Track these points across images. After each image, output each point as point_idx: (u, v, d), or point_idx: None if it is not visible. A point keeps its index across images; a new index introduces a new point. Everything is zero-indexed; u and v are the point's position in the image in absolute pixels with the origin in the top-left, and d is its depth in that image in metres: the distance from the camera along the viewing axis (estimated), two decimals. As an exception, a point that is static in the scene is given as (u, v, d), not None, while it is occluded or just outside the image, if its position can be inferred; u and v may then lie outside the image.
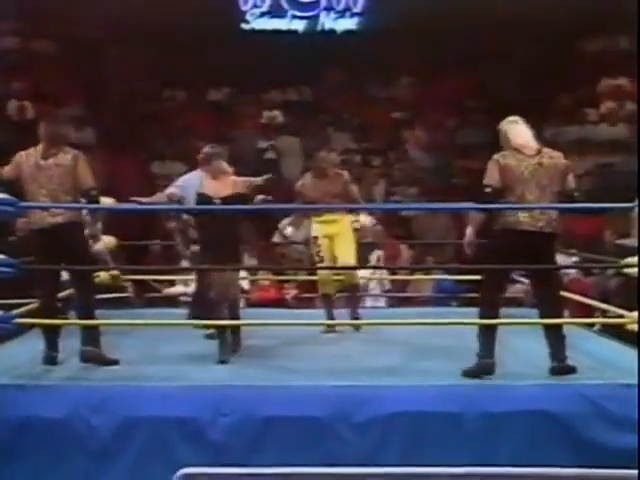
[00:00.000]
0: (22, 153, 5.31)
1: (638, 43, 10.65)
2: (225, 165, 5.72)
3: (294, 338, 6.05)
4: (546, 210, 4.89)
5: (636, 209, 5.07)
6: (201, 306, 5.84)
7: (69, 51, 13.47)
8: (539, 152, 4.97)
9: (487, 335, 4.91)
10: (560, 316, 5.06)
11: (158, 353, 5.69)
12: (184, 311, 6.62)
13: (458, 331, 5.32)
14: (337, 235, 6.57)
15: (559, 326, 4.97)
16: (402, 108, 14.05)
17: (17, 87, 13.11)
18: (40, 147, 5.26)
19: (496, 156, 5.00)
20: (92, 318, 5.18)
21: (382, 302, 9.23)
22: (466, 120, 13.35)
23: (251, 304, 8.43)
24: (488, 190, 4.92)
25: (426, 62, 13.66)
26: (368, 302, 9.01)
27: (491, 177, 4.95)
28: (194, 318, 5.98)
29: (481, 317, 4.97)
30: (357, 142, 13.72)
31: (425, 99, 13.84)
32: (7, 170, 5.34)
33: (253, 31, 13.64)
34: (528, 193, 4.90)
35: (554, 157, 4.99)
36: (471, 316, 5.14)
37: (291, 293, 9.09)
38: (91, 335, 5.15)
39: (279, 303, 8.82)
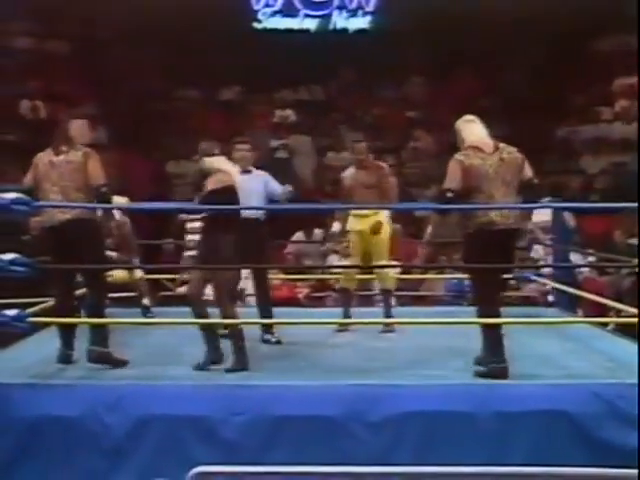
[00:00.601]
0: (39, 154, 5.32)
1: (638, 43, 10.65)
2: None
3: (307, 337, 6.07)
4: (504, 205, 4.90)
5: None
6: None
7: (82, 51, 13.53)
8: (497, 148, 4.99)
9: (493, 338, 4.87)
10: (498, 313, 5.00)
11: (171, 352, 5.71)
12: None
13: (470, 330, 5.31)
14: (368, 231, 6.50)
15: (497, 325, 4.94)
16: (414, 107, 14.04)
17: (30, 87, 13.17)
18: (55, 146, 5.28)
19: (458, 156, 4.96)
20: (101, 317, 5.16)
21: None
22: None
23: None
24: (450, 195, 4.87)
25: (438, 61, 13.66)
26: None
27: (452, 179, 4.91)
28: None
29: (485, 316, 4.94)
30: (369, 141, 13.68)
31: (437, 98, 13.83)
32: (27, 177, 5.36)
33: (265, 30, 13.67)
34: (495, 191, 4.90)
35: (511, 152, 5.01)
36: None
37: (303, 292, 9.10)
38: (99, 335, 5.12)
39: (291, 302, 8.83)
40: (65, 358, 5.20)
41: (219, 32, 12.69)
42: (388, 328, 6.37)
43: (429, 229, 5.15)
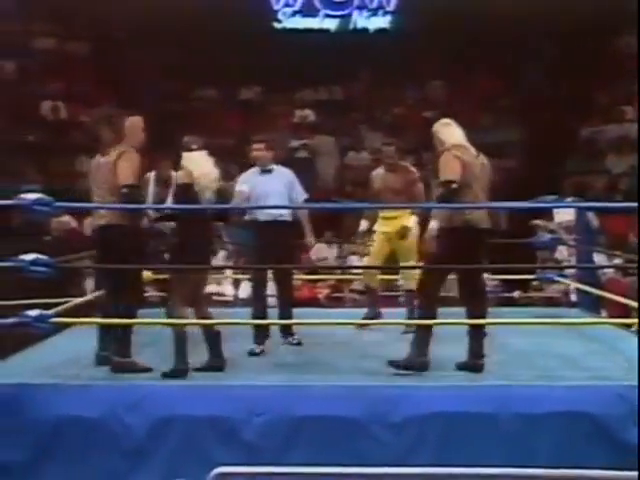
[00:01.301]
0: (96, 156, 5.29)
1: (638, 43, 10.65)
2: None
3: (328, 337, 6.08)
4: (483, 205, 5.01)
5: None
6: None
7: (101, 52, 13.62)
8: (478, 153, 5.10)
9: (421, 336, 4.97)
10: (484, 313, 5.04)
11: (192, 352, 5.73)
12: (218, 310, 6.66)
13: (491, 331, 5.31)
14: (395, 234, 6.48)
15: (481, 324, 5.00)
16: (435, 107, 14.04)
17: (51, 87, 13.28)
18: (105, 145, 5.22)
19: (453, 151, 4.99)
20: (128, 328, 5.08)
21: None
22: (499, 119, 13.31)
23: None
24: (455, 187, 4.90)
25: (459, 60, 13.65)
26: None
27: (453, 172, 4.93)
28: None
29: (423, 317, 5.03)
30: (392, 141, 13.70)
31: (458, 98, 13.82)
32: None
33: (285, 30, 13.71)
34: (480, 191, 5.00)
35: (485, 159, 5.13)
36: (504, 316, 5.14)
37: (324, 292, 9.12)
38: (123, 343, 5.07)
39: (312, 302, 8.86)
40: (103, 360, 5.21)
41: (238, 32, 12.74)
42: (410, 329, 6.35)
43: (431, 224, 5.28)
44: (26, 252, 4.86)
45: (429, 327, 4.96)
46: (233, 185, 6.04)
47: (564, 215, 7.60)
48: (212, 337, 5.14)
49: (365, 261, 7.01)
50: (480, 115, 13.55)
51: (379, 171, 6.66)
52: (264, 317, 5.81)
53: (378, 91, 14.25)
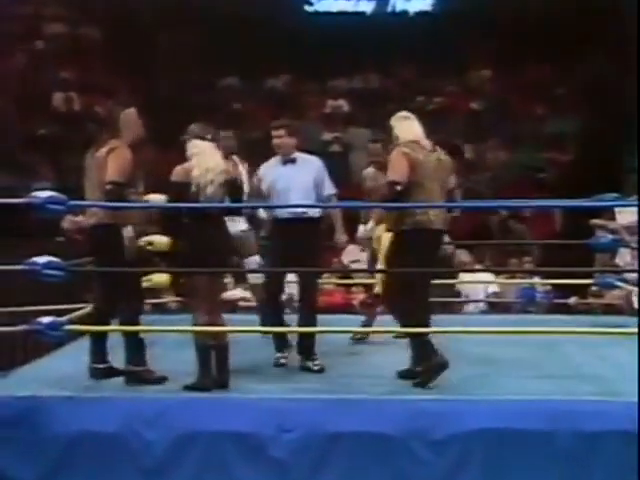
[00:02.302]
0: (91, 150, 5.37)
1: (638, 43, 10.76)
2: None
3: (362, 346, 6.10)
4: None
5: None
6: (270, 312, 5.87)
7: (117, 37, 13.71)
8: (434, 147, 5.17)
9: (419, 345, 5.02)
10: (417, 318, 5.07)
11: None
12: (242, 317, 6.72)
13: (544, 341, 5.30)
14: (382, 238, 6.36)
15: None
16: (481, 96, 14.00)
17: (63, 77, 13.37)
18: (101, 139, 5.32)
19: (404, 149, 5.08)
20: (136, 334, 5.16)
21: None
22: (554, 108, 13.25)
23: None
24: (399, 188, 4.99)
25: (508, 46, 13.58)
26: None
27: (400, 172, 5.02)
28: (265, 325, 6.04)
29: (406, 326, 5.09)
30: (431, 134, 13.69)
31: (507, 85, 13.77)
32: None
33: (317, 13, 13.75)
34: (434, 189, 5.07)
35: (444, 155, 5.20)
36: (558, 325, 5.13)
37: (358, 298, 9.13)
38: (136, 352, 5.14)
39: (346, 309, 8.88)
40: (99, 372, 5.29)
41: (266, 15, 12.80)
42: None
43: (363, 227, 5.35)
44: (39, 254, 4.92)
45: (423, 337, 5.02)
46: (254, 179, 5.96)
47: (628, 215, 7.52)
48: (220, 350, 5.08)
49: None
50: (533, 104, 13.51)
51: (370, 170, 6.63)
52: (280, 324, 5.76)
53: (418, 79, 14.23)
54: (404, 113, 5.31)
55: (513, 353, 5.84)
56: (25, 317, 6.57)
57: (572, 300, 8.96)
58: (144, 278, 5.22)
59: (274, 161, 5.81)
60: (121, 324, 5.20)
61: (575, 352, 5.70)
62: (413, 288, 5.03)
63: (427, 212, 5.02)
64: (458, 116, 13.83)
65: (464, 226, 11.50)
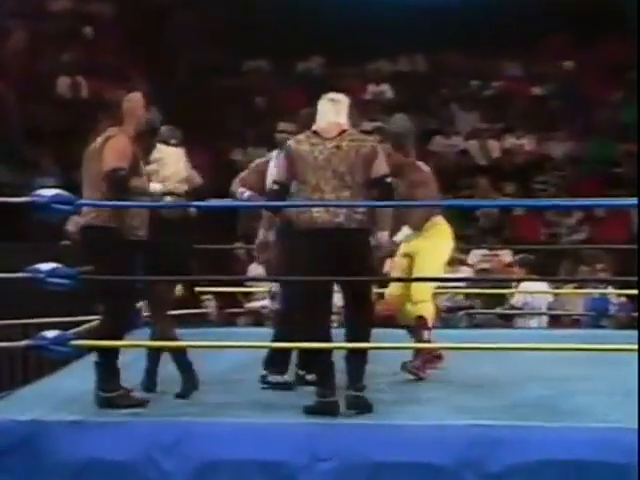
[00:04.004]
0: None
1: (638, 43, 10.75)
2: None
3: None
4: (344, 203, 5.00)
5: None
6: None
7: (130, 15, 13.83)
8: (340, 134, 5.09)
9: (320, 366, 5.02)
10: (369, 334, 5.08)
11: (242, 381, 5.85)
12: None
13: (619, 359, 5.29)
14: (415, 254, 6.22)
15: (363, 350, 5.04)
16: (546, 80, 13.96)
17: (69, 59, 13.46)
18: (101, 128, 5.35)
19: (290, 141, 5.16)
20: (109, 352, 5.19)
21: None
22: (630, 95, 13.18)
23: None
24: (275, 188, 5.13)
25: (576, 22, 13.51)
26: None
27: (280, 171, 5.16)
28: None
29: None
30: (488, 122, 13.70)
31: (578, 68, 13.70)
32: None
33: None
34: (324, 183, 5.03)
35: (357, 140, 5.11)
36: (632, 342, 5.12)
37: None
38: (104, 373, 5.17)
39: (388, 322, 8.90)
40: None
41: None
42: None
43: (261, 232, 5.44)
44: (43, 260, 4.99)
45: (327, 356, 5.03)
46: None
47: None
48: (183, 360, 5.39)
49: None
50: (607, 89, 13.43)
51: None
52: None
53: (474, 61, 14.22)
54: (331, 95, 5.26)
55: (584, 372, 5.86)
56: (27, 331, 6.68)
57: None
58: None
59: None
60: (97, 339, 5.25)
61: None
62: (300, 297, 5.12)
63: (309, 210, 5.02)
64: (518, 103, 13.81)
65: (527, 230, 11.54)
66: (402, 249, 6.31)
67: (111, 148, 5.10)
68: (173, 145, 5.51)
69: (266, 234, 5.68)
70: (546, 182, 12.68)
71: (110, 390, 5.13)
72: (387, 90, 14.09)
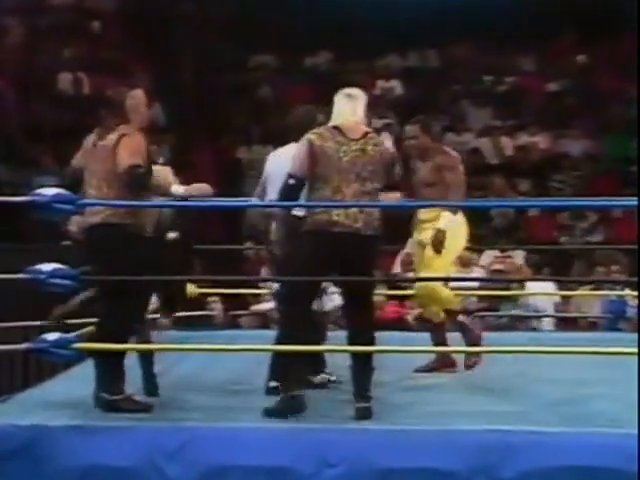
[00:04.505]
0: (93, 134, 5.41)
1: (638, 43, 10.78)
2: None
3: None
4: (366, 208, 5.01)
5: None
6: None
7: (133, 10, 13.84)
8: (365, 136, 5.09)
9: (288, 361, 5.06)
10: (372, 340, 5.09)
11: (248, 385, 5.87)
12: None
13: (629, 361, 5.30)
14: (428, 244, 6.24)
15: (369, 356, 5.05)
16: (561, 75, 13.92)
17: (70, 55, 13.47)
18: (104, 124, 5.36)
19: (311, 135, 5.09)
20: (116, 356, 5.19)
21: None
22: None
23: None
24: (292, 182, 5.07)
25: (591, 17, 13.48)
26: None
27: (297, 163, 5.09)
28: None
29: (281, 340, 5.16)
30: (501, 119, 13.69)
31: (593, 62, 13.67)
32: (73, 162, 5.47)
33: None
34: (345, 186, 5.02)
35: (379, 144, 5.12)
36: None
37: (413, 312, 9.16)
38: (109, 375, 5.18)
39: (398, 324, 8.93)
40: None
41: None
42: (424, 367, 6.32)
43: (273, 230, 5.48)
44: (42, 261, 5.01)
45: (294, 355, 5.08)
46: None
47: None
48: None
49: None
50: (622, 85, 13.40)
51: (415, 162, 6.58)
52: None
53: (486, 56, 14.21)
54: (348, 90, 5.26)
55: (601, 376, 5.87)
56: (27, 333, 6.70)
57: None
58: None
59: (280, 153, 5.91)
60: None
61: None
62: (297, 297, 5.13)
63: (328, 211, 5.00)
64: (532, 99, 13.80)
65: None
66: (415, 236, 6.39)
67: (127, 146, 5.12)
68: (161, 164, 5.54)
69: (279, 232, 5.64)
70: (563, 181, 12.67)
71: (115, 393, 5.13)
72: (397, 86, 14.09)
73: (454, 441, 4.65)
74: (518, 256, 10.55)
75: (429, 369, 6.28)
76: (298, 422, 4.96)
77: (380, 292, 8.84)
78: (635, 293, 8.99)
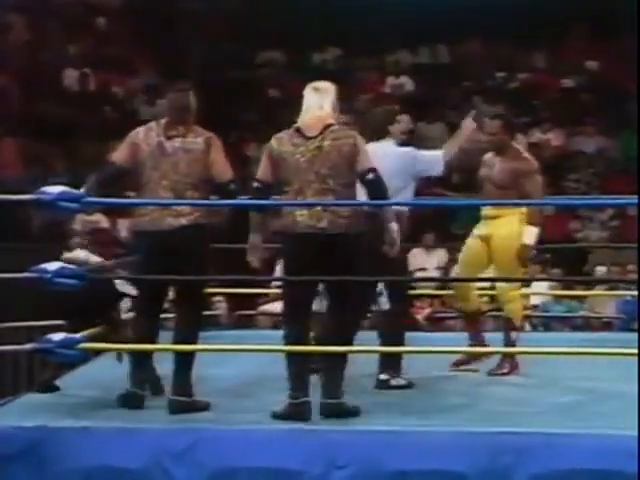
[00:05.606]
0: (138, 130, 5.34)
1: (638, 43, 10.88)
2: None
3: (428, 370, 6.14)
4: (330, 206, 4.99)
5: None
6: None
7: (139, 5, 13.86)
8: (323, 131, 5.06)
9: (295, 365, 5.04)
10: (350, 340, 5.14)
11: (256, 386, 5.88)
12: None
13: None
14: (492, 238, 6.36)
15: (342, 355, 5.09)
16: (575, 72, 13.90)
17: (76, 51, 13.48)
18: (162, 124, 5.32)
19: (272, 140, 5.13)
20: (189, 356, 5.26)
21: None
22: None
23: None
24: (256, 185, 5.12)
25: (607, 11, 13.46)
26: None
27: (262, 170, 5.15)
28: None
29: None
30: (513, 116, 13.64)
31: (608, 59, 13.65)
32: (119, 155, 5.35)
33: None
34: (306, 186, 5.03)
35: (339, 137, 5.06)
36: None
37: (424, 312, 9.17)
38: (184, 378, 5.24)
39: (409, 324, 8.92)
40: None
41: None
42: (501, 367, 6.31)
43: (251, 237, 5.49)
44: (49, 260, 5.02)
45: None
46: None
47: None
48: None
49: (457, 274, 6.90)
50: (638, 80, 13.37)
51: (489, 155, 6.58)
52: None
53: (498, 52, 14.20)
54: (315, 84, 5.26)
55: (615, 377, 5.83)
56: (32, 334, 6.71)
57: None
58: None
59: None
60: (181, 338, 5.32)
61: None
62: (288, 298, 5.18)
63: (292, 212, 5.02)
64: (545, 95, 13.78)
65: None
66: (476, 230, 6.43)
67: (221, 154, 5.27)
68: None
69: (253, 236, 5.39)
70: (578, 180, 12.65)
71: (188, 395, 5.21)
72: (407, 82, 14.08)
73: (465, 443, 4.65)
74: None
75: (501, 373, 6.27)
76: (306, 424, 4.98)
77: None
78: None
